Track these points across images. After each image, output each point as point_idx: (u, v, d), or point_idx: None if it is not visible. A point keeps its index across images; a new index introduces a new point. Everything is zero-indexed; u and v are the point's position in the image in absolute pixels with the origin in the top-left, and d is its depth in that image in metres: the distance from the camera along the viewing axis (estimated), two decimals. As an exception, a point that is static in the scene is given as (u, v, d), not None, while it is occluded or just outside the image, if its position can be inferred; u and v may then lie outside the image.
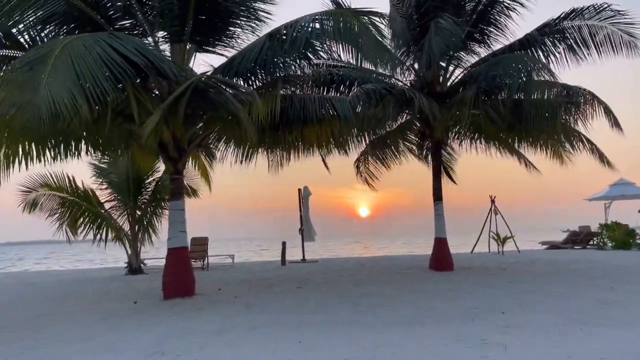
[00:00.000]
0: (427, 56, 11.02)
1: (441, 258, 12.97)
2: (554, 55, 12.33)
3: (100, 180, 15.42)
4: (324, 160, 13.91)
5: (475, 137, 14.80)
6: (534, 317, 6.21)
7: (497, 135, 13.67)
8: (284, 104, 8.77)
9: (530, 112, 10.77)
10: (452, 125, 13.40)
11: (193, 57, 9.87)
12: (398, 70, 13.37)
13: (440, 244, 13.08)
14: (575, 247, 20.74)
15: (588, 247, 20.94)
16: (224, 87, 7.30)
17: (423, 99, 10.87)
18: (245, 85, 8.00)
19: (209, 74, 7.87)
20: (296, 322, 6.17)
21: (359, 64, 8.46)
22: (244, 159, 10.54)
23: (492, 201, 19.72)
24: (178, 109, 8.61)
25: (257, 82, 8.79)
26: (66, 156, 9.54)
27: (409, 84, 13.35)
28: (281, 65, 8.31)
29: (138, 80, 8.10)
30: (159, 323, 6.54)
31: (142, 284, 11.80)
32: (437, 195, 13.30)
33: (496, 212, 19.67)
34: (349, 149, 14.24)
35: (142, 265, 15.02)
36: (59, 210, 14.68)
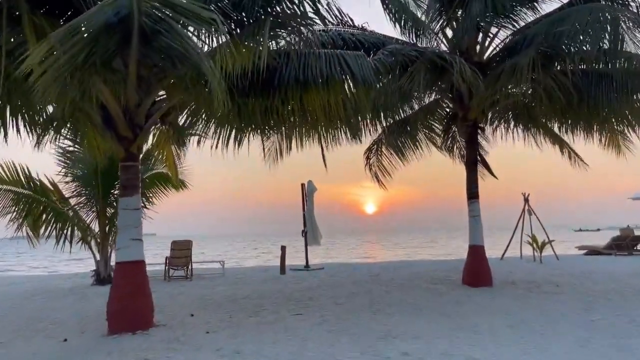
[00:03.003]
0: (476, 10, 8.38)
1: (478, 271, 10.37)
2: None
3: (65, 171, 12.89)
4: (322, 153, 11.45)
5: (515, 121, 12.15)
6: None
7: (550, 116, 10.97)
8: (275, 61, 6.23)
9: (612, 85, 8.14)
10: (491, 105, 10.72)
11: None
12: (423, 36, 10.79)
13: (477, 253, 10.49)
14: (620, 254, 18.02)
15: (634, 253, 18.22)
16: (178, 23, 4.73)
17: (464, 64, 8.24)
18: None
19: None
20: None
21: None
22: (217, 140, 7.89)
23: (526, 200, 17.06)
24: (128, 69, 6.05)
25: (234, 26, 6.13)
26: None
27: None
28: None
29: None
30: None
31: (99, 302, 9.21)
32: (472, 192, 10.68)
33: (530, 212, 17.00)
34: (363, 133, 11.73)
35: (112, 273, 12.47)
36: (14, 208, 12.15)
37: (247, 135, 8.31)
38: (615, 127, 10.56)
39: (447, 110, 12.24)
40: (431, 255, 26.31)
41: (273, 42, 6.37)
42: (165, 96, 7.03)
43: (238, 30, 6.00)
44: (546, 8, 10.13)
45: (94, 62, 4.79)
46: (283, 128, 8.18)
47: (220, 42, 5.09)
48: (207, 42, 5.84)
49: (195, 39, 5.81)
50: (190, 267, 12.82)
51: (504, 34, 10.11)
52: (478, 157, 10.80)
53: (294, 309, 7.94)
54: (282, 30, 5.99)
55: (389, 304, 8.10)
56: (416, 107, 11.96)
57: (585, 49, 8.16)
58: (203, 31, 5.68)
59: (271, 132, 8.24)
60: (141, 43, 5.39)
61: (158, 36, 5.14)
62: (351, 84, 6.17)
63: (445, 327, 6.34)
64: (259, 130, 7.99)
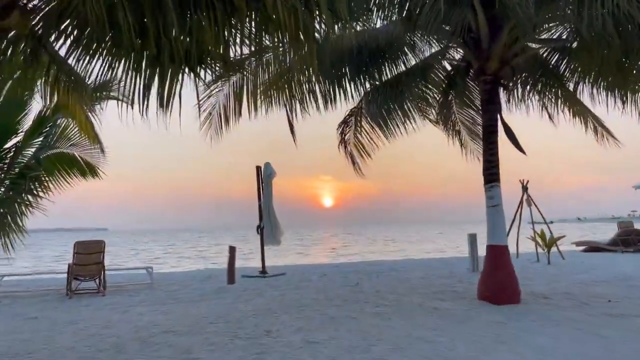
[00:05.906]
0: None
1: (502, 283, 7.46)
2: None
3: None
4: (289, 119, 8.50)
5: (536, 81, 9.32)
6: None
7: (590, 73, 8.17)
8: None
9: None
10: (520, 53, 7.79)
11: None
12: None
13: (499, 257, 7.60)
14: (627, 250, 15.68)
15: (642, 249, 15.94)
16: None
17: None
18: None
19: None
20: None
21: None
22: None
23: (524, 188, 14.41)
24: None
25: None
26: None
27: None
28: None
29: None
30: None
31: None
32: (491, 174, 7.76)
33: (530, 203, 14.36)
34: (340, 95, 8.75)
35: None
36: None
37: (171, 74, 4.94)
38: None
39: (451, 65, 9.32)
40: (406, 253, 23.58)
41: None
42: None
43: None
44: None
45: None
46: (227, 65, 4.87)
47: None
48: None
49: None
50: (102, 276, 9.38)
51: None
52: (501, 125, 7.84)
53: (242, 357, 4.76)
54: None
55: (392, 344, 5.03)
56: (413, 61, 8.96)
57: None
58: None
59: (207, 65, 4.93)
60: None
61: None
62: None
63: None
64: (185, 66, 4.67)
